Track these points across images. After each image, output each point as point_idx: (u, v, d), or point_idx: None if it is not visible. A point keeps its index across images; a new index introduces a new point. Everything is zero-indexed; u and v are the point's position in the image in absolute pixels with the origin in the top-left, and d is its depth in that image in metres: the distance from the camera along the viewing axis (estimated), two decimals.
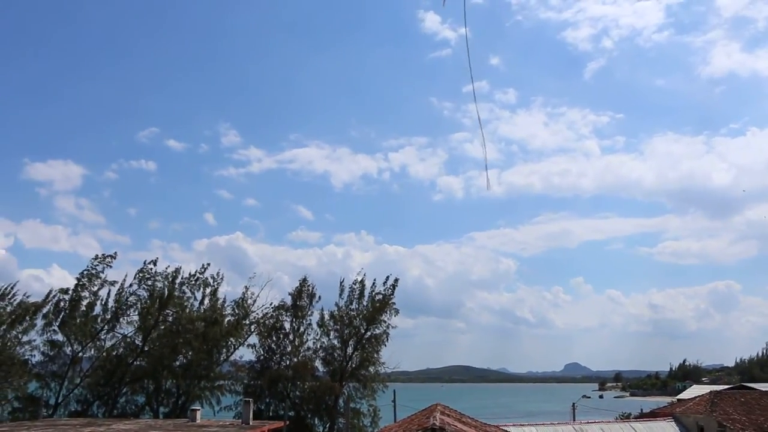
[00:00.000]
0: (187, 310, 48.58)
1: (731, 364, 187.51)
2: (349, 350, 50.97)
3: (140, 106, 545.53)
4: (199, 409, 35.54)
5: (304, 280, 51.73)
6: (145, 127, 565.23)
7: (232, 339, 49.72)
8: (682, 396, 76.17)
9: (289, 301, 51.13)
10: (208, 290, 49.91)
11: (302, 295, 51.20)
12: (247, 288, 50.63)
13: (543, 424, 44.64)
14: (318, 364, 51.48)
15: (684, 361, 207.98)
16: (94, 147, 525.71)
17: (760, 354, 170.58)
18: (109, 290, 46.50)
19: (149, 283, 47.52)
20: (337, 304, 51.52)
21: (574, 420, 51.33)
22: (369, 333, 51.03)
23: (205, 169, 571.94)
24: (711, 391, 52.63)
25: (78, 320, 45.07)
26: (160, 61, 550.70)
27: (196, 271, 49.78)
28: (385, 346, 51.31)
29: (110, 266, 46.60)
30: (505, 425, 37.11)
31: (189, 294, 49.20)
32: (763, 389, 58.43)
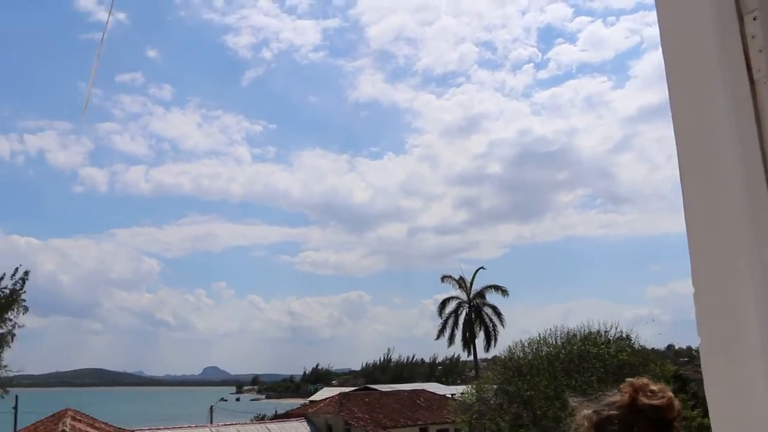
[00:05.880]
0: None
1: (358, 368, 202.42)
2: None
3: None
4: None
5: None
6: None
7: None
8: (314, 398, 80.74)
9: None
10: None
11: None
12: None
13: (181, 428, 44.10)
14: None
15: (317, 365, 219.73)
16: None
17: (382, 359, 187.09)
18: None
19: None
20: None
21: (212, 423, 51.50)
22: None
23: None
24: (340, 393, 56.64)
25: None
26: None
27: None
28: (9, 347, 46.52)
29: None
30: (142, 430, 35.98)
31: None
32: (383, 390, 64.54)
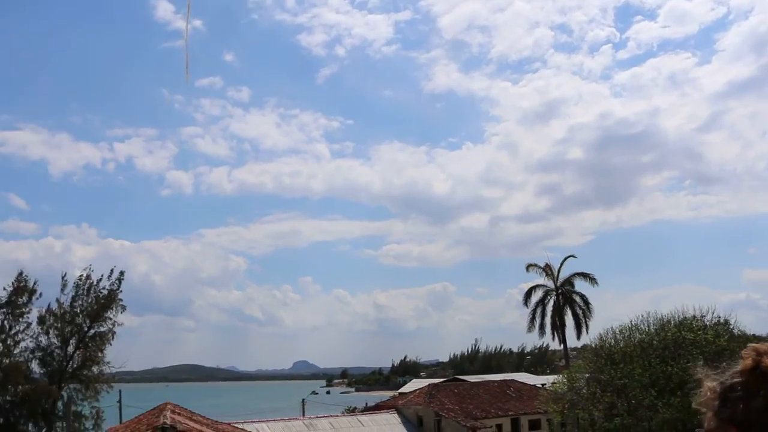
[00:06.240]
0: None
1: (446, 359, 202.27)
2: (71, 350, 47.65)
3: None
4: None
5: (20, 274, 47.29)
6: None
7: None
8: (403, 389, 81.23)
9: (3, 297, 46.55)
10: None
11: (21, 292, 46.77)
12: None
13: (274, 421, 45.12)
14: (35, 365, 47.47)
15: (405, 357, 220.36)
16: None
17: (470, 349, 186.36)
18: None
19: None
20: (58, 300, 47.93)
21: (304, 415, 52.48)
22: (93, 331, 48.12)
23: None
24: (429, 384, 56.74)
25: None
26: None
27: None
28: (110, 344, 48.73)
29: None
30: (237, 423, 36.95)
31: None
32: (473, 380, 64.29)
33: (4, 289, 46.81)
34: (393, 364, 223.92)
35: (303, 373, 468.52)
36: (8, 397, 45.71)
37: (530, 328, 54.40)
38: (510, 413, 50.14)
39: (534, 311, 54.50)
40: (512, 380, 60.39)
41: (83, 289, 48.09)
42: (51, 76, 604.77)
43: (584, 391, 33.14)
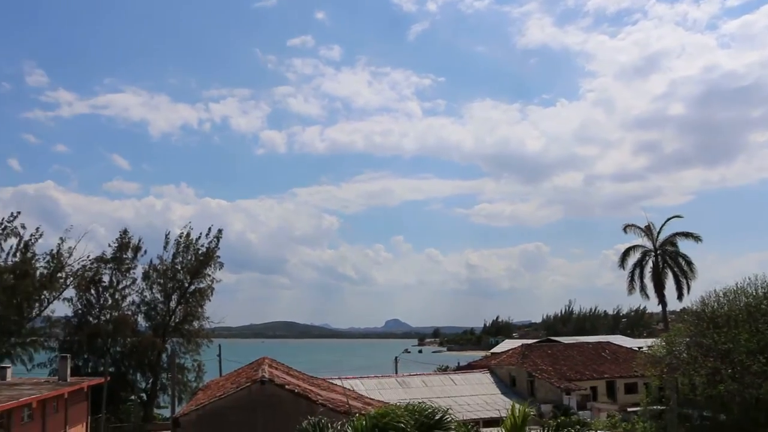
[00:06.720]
0: None
1: (538, 320, 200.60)
2: (173, 304, 49.66)
3: None
4: (9, 367, 33.53)
5: (125, 232, 49.41)
6: None
7: (45, 293, 46.60)
8: (495, 350, 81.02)
9: (109, 253, 48.83)
10: (15, 241, 46.18)
11: (125, 248, 48.93)
12: (62, 240, 47.46)
13: (368, 377, 45.88)
14: (140, 318, 49.80)
15: (497, 317, 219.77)
16: None
17: (563, 311, 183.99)
18: None
19: None
20: (160, 257, 49.88)
21: (396, 373, 53.15)
22: (193, 287, 49.96)
23: (7, 110, 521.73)
24: (522, 345, 56.33)
25: None
26: None
27: (2, 220, 46.02)
28: (210, 300, 50.50)
29: None
30: (331, 378, 37.67)
31: None
32: (566, 342, 63.44)
33: (109, 245, 49.13)
34: (485, 324, 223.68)
35: (395, 331, 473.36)
36: (118, 348, 48.30)
37: (630, 290, 52.24)
38: (605, 376, 49.32)
39: (632, 273, 52.57)
40: (608, 342, 59.30)
41: (183, 247, 49.87)
42: (149, 39, 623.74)
43: (684, 355, 32.04)
